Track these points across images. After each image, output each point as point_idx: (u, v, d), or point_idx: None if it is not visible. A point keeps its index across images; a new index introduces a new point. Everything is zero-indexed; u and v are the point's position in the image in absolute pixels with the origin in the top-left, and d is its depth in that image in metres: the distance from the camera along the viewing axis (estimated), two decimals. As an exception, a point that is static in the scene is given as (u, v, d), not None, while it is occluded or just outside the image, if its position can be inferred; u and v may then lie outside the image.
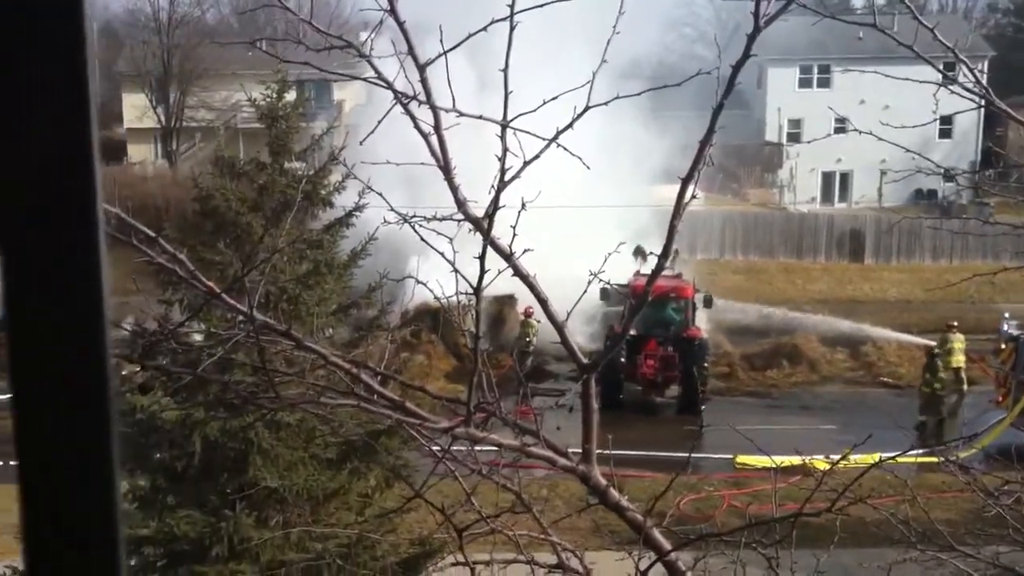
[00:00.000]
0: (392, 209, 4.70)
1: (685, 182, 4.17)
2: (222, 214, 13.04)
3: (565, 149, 4.29)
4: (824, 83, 53.11)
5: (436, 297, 5.21)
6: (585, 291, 4.53)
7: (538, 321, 26.85)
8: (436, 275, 5.05)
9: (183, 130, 45.48)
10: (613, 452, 4.92)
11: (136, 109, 46.30)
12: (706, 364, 27.11)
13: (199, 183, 13.82)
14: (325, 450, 11.50)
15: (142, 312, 6.54)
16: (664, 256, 4.34)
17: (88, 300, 0.75)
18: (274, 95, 13.43)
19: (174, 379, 8.67)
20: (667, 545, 4.58)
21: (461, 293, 4.42)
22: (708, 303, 28.93)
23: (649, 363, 26.64)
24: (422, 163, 5.15)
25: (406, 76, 5.04)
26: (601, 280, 5.01)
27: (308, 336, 11.82)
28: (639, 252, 21.04)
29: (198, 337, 7.07)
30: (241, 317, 4.59)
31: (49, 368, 0.74)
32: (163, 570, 11.16)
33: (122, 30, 54.44)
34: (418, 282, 5.22)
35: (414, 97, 4.44)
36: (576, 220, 28.19)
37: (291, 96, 13.70)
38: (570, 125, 4.33)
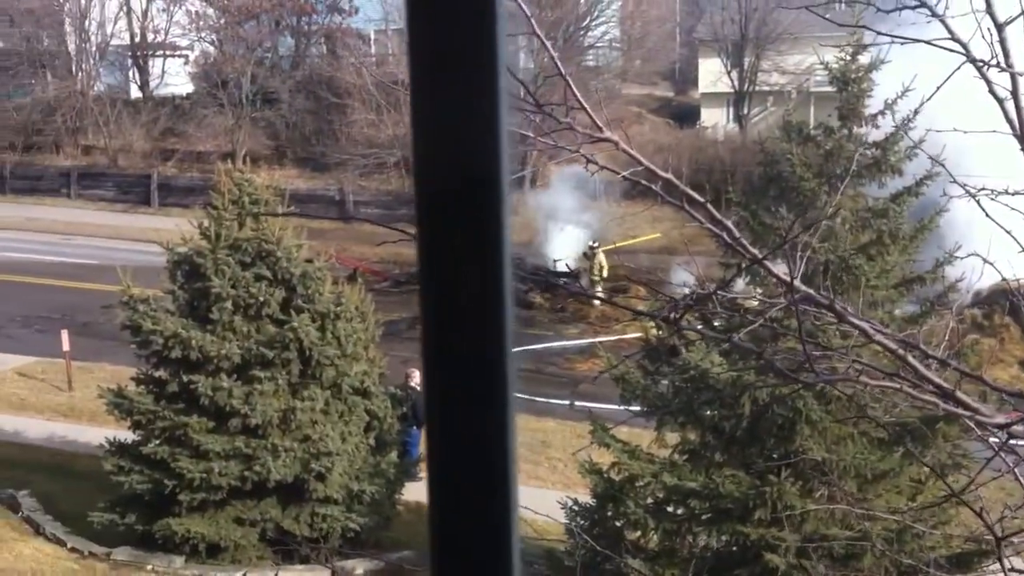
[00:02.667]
0: (954, 180, 4.32)
1: None
2: (786, 179, 12.94)
3: None
4: None
5: (1003, 279, 4.72)
6: None
7: None
8: (1008, 254, 4.58)
9: (755, 94, 45.97)
10: None
11: (711, 74, 47.55)
12: None
13: (765, 147, 13.80)
14: (876, 428, 11.06)
15: (696, 274, 6.68)
16: None
17: (491, 272, 0.76)
18: (847, 58, 13.01)
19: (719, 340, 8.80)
20: None
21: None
22: None
23: None
24: (994, 131, 4.69)
25: (983, 37, 4.60)
26: None
27: (865, 309, 11.41)
28: None
29: (746, 302, 7.09)
30: (784, 287, 4.49)
31: (454, 335, 0.77)
32: (707, 524, 11.47)
33: (702, -3, 56.13)
34: (985, 261, 4.77)
35: (989, 61, 4.03)
36: None
37: (864, 59, 13.19)
38: None
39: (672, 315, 4.70)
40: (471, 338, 0.76)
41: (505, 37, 0.76)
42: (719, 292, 4.59)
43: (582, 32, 45.14)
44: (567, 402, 15.82)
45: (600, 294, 25.80)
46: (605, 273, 28.67)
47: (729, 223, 4.66)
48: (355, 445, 15.18)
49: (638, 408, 11.63)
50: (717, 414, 11.24)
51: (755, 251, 4.56)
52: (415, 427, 17.54)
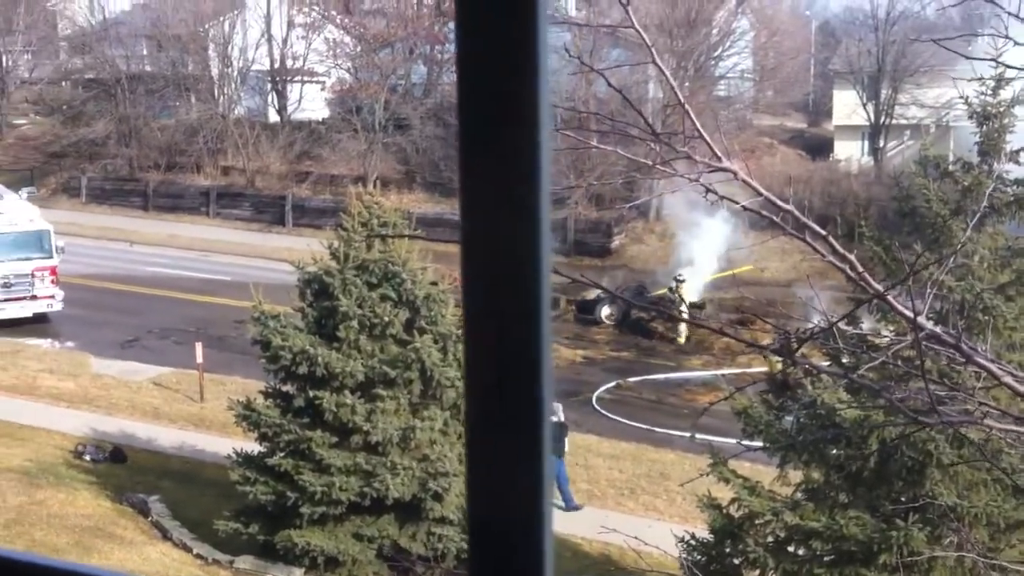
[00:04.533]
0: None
1: None
2: (921, 215, 12.61)
3: None
4: None
5: None
6: None
7: None
8: None
9: (891, 128, 44.88)
10: None
11: (846, 106, 46.62)
12: None
13: (900, 182, 13.45)
14: (1014, 475, 10.62)
15: (820, 312, 6.56)
16: None
17: (528, 295, 0.77)
18: (989, 91, 12.62)
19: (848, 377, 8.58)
20: None
21: None
22: None
23: None
24: None
25: None
26: None
27: (1003, 351, 10.99)
28: None
29: (873, 339, 6.91)
30: (910, 324, 4.36)
31: (493, 353, 0.78)
32: (829, 566, 11.17)
33: (839, 28, 55.13)
34: None
35: None
36: None
37: (1006, 93, 12.77)
38: None
39: (789, 348, 4.61)
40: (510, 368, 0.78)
41: (547, 52, 0.78)
42: (840, 327, 4.50)
43: (713, 62, 44.82)
44: (687, 434, 15.63)
45: (714, 325, 25.55)
46: (684, 308, 27.93)
47: (852, 257, 4.57)
48: (472, 467, 15.28)
49: (760, 444, 11.42)
50: (843, 453, 10.95)
51: (878, 286, 4.45)
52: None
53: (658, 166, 4.93)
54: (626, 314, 29.29)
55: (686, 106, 4.69)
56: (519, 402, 0.76)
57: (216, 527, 15.63)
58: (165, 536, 16.78)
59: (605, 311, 29.86)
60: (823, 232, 4.48)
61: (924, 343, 4.17)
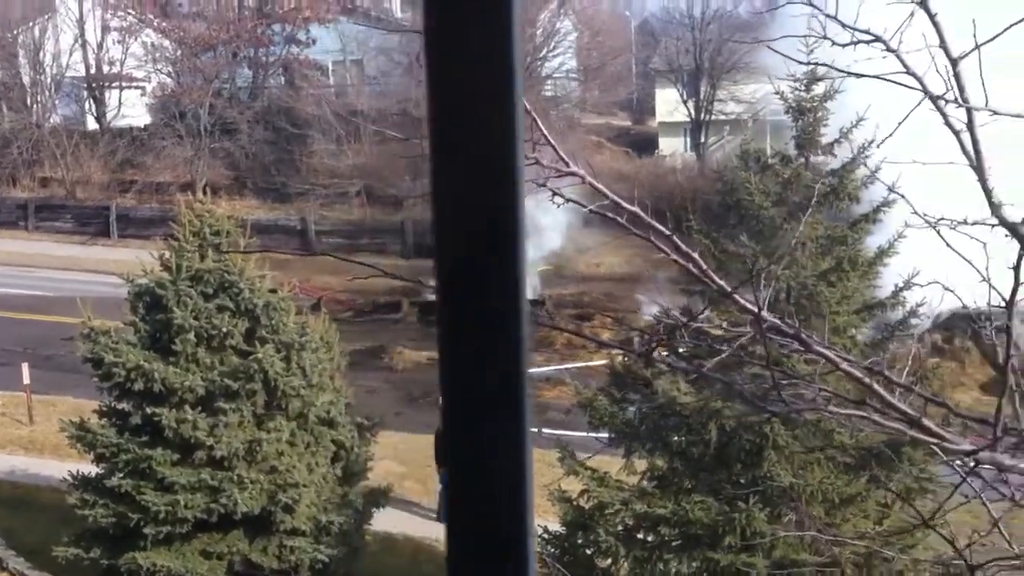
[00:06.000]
0: (915, 212, 4.46)
1: None
2: (745, 207, 13.14)
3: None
4: None
5: (964, 306, 4.86)
6: None
7: None
8: (967, 280, 4.71)
9: (712, 123, 46.51)
10: None
11: (668, 104, 48.07)
12: None
13: (724, 176, 13.99)
14: (843, 453, 11.22)
15: (661, 307, 6.79)
16: None
17: (507, 294, 0.78)
18: (802, 87, 13.26)
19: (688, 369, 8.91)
20: None
21: (994, 306, 4.07)
22: None
23: None
24: (951, 162, 4.83)
25: (936, 71, 4.75)
26: None
27: (826, 335, 11.55)
28: None
29: (711, 331, 7.21)
30: (751, 316, 4.60)
31: (472, 353, 0.78)
32: (677, 551, 11.54)
33: (658, 27, 56.73)
34: (946, 289, 4.91)
35: (943, 96, 4.17)
36: None
37: (819, 88, 13.44)
38: None
39: (646, 348, 4.79)
40: (489, 359, 0.79)
41: (521, 45, 0.78)
42: (681, 318, 4.70)
43: (539, 63, 45.50)
44: (534, 430, 15.85)
45: (571, 327, 25.91)
46: None
47: (695, 255, 4.77)
48: (322, 476, 15.12)
49: (606, 435, 11.72)
50: (684, 440, 11.34)
51: (722, 282, 4.67)
52: None
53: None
54: None
55: (533, 113, 4.81)
56: (501, 369, 0.78)
57: (56, 554, 15.00)
58: (1, 566, 16.00)
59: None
60: (667, 232, 4.67)
61: (769, 335, 4.41)
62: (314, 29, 45.83)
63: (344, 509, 15.08)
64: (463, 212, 0.77)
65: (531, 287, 30.11)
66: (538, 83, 45.32)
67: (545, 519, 13.55)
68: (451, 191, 0.77)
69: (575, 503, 12.09)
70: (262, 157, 43.35)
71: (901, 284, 12.73)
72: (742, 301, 4.58)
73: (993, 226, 4.45)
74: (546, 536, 12.19)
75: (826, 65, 4.87)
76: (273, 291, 15.74)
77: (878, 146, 4.57)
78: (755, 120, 38.49)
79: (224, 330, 15.05)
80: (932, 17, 4.64)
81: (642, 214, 5.05)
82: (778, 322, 4.62)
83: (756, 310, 4.38)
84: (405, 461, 20.20)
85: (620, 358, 11.99)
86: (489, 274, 0.78)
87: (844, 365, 4.50)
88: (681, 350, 9.69)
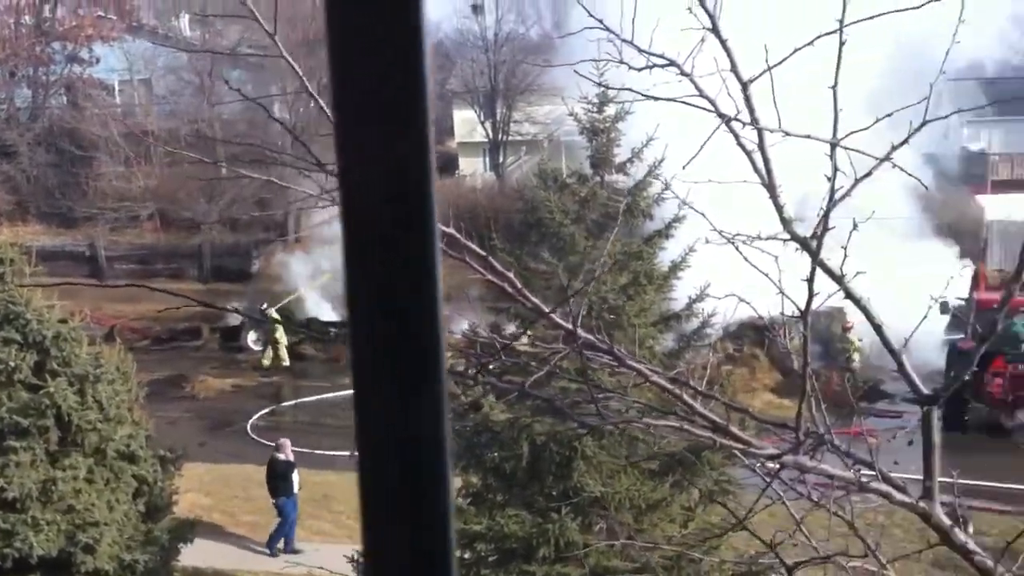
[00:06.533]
0: (714, 229, 4.69)
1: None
2: (546, 225, 13.44)
3: (901, 169, 4.11)
4: None
5: (760, 316, 5.14)
6: (926, 316, 4.31)
7: (860, 339, 25.74)
8: (762, 291, 4.98)
9: (509, 143, 47.28)
10: (956, 482, 4.63)
11: (466, 124, 48.60)
12: (1066, 385, 24.92)
13: (524, 195, 14.24)
14: (648, 461, 11.60)
15: (473, 325, 6.88)
16: (1016, 280, 4.06)
17: (424, 314, 0.79)
18: (595, 109, 13.69)
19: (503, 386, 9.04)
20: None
21: (788, 316, 4.33)
22: (1065, 319, 26.52)
23: (997, 382, 24.77)
24: (744, 180, 5.09)
25: (728, 93, 4.99)
26: (938, 300, 4.76)
27: (636, 349, 11.95)
28: (944, 305, 20.01)
29: (524, 347, 7.35)
30: (564, 333, 4.74)
31: (387, 373, 0.78)
32: (494, 566, 11.65)
33: (452, 48, 57.31)
34: (741, 300, 5.17)
35: (735, 117, 4.41)
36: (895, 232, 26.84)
37: (612, 109, 13.91)
38: (905, 141, 4.15)
39: (476, 368, 4.85)
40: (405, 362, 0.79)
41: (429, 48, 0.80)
42: (500, 339, 4.82)
43: (336, 82, 45.16)
44: (347, 453, 15.67)
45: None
46: (280, 334, 28.16)
47: (511, 275, 4.88)
48: (124, 513, 14.49)
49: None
50: (498, 456, 11.48)
51: (537, 300, 4.80)
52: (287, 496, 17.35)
53: (323, 197, 5.01)
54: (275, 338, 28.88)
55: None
56: (418, 374, 0.78)
57: None
58: None
59: (251, 336, 29.28)
60: (483, 253, 4.75)
61: (584, 351, 4.55)
62: (98, 48, 44.02)
63: (149, 546, 14.50)
64: (374, 223, 0.78)
65: (334, 309, 29.85)
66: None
67: (360, 543, 13.42)
68: (359, 202, 0.78)
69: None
70: (45, 180, 41.25)
71: (694, 296, 13.32)
72: (557, 319, 4.72)
73: (785, 241, 4.71)
74: (361, 560, 12.08)
75: (628, 89, 5.06)
76: (63, 321, 15.02)
77: (684, 168, 4.78)
78: (551, 140, 39.37)
79: (11, 364, 14.26)
80: (723, 43, 4.89)
81: (457, 235, 5.13)
82: (592, 338, 4.78)
83: (572, 327, 4.53)
84: (211, 492, 19.60)
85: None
86: (400, 278, 0.78)
87: (654, 377, 4.70)
88: (491, 367, 9.82)
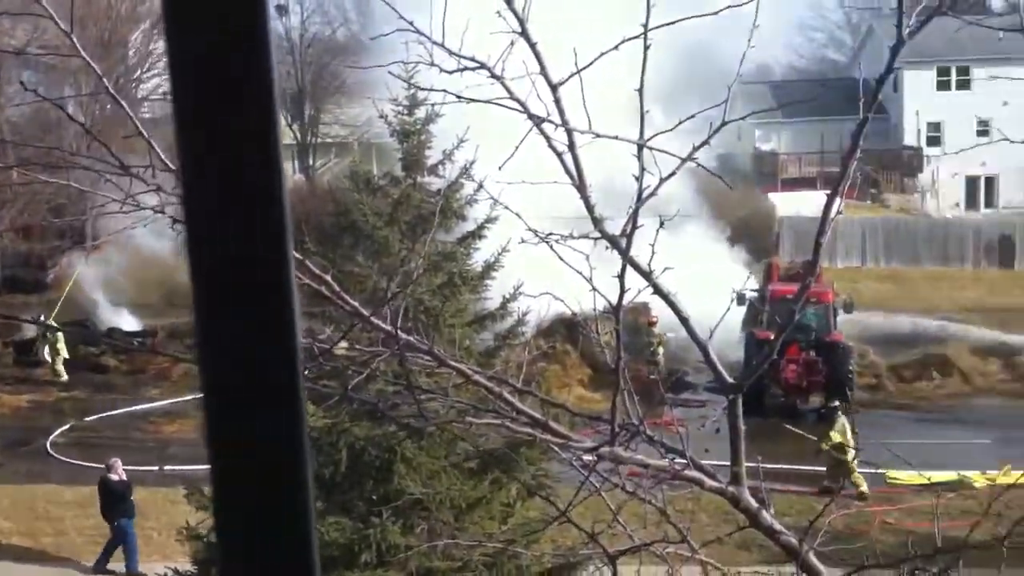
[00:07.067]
0: (529, 228, 4.77)
1: (831, 198, 4.12)
2: (360, 227, 13.35)
3: (703, 167, 4.29)
4: (964, 85, 51.22)
5: (573, 313, 5.25)
6: (728, 308, 4.50)
7: (663, 332, 26.71)
8: (572, 289, 5.09)
9: (319, 146, 46.69)
10: (756, 466, 4.86)
11: (274, 126, 47.83)
12: (851, 369, 26.52)
13: (336, 197, 14.10)
14: (466, 460, 11.67)
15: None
16: (810, 271, 4.30)
17: (278, 314, 0.77)
18: (405, 111, 13.69)
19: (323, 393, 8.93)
20: (825, 572, 4.49)
21: (600, 312, 4.44)
22: (848, 308, 28.27)
23: (791, 368, 26.12)
24: (555, 181, 5.19)
25: (538, 96, 5.08)
26: (738, 291, 4.98)
27: (449, 348, 12.01)
28: (740, 297, 21.77)
29: (341, 351, 7.27)
30: (383, 335, 4.73)
31: (241, 376, 0.77)
32: (314, 575, 11.47)
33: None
34: (555, 298, 5.27)
35: (546, 118, 4.49)
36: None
37: (422, 112, 13.93)
38: (706, 142, 4.33)
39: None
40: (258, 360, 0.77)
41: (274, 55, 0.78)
42: (318, 343, 4.76)
43: (134, 84, 43.63)
44: (157, 468, 15.15)
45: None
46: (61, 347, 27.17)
47: (328, 278, 4.83)
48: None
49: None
50: (317, 462, 11.32)
51: (355, 304, 4.77)
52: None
53: (128, 202, 4.83)
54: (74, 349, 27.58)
55: (151, 141, 4.64)
56: (274, 376, 0.77)
57: None
58: None
59: (47, 350, 27.89)
60: (298, 256, 4.68)
61: (404, 352, 4.55)
62: None
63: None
64: (222, 226, 0.76)
65: (137, 319, 28.80)
66: (134, 105, 43.38)
67: (174, 560, 13.02)
68: (205, 208, 0.76)
69: (207, 540, 11.70)
70: None
71: (509, 296, 13.49)
72: (379, 324, 4.70)
73: (596, 239, 4.83)
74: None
75: (442, 91, 5.09)
76: None
77: (500, 169, 4.82)
78: (360, 143, 39.12)
79: None
80: (533, 46, 4.97)
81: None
82: (413, 340, 4.78)
83: (391, 329, 4.52)
84: (10, 516, 18.58)
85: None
86: (249, 278, 0.76)
87: (476, 377, 4.74)
88: (305, 372, 9.69)
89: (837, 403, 22.69)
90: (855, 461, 20.19)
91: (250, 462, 0.79)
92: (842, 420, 21.48)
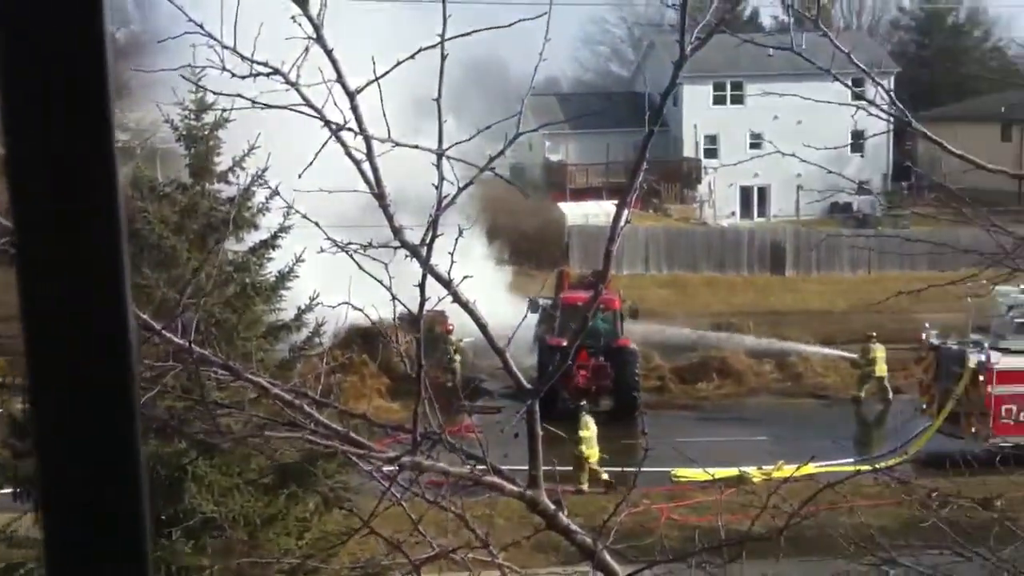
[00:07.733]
0: (328, 238, 4.70)
1: (620, 208, 4.25)
2: (145, 237, 12.86)
3: (502, 178, 4.35)
4: (738, 100, 54.10)
5: (372, 323, 5.22)
6: (525, 316, 4.58)
7: (460, 340, 26.93)
8: (370, 299, 5.05)
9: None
10: (551, 469, 4.95)
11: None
12: (637, 373, 27.47)
13: (120, 206, 13.51)
14: (261, 476, 11.40)
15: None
16: (601, 279, 4.42)
17: (111, 307, 0.76)
18: (193, 116, 13.30)
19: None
20: (619, 570, 4.61)
21: (399, 321, 4.44)
22: (634, 314, 29.34)
23: (582, 373, 26.81)
24: (355, 190, 5.14)
25: (335, 103, 5.02)
26: (531, 298, 5.07)
27: (242, 360, 11.71)
28: (533, 304, 23.49)
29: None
30: (174, 349, 4.56)
31: (69, 373, 0.75)
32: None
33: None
34: (354, 308, 5.22)
35: (344, 126, 4.44)
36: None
37: (211, 117, 13.55)
38: (502, 152, 4.39)
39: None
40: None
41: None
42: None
43: None
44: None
45: None
46: None
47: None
48: None
49: (8, 491, 10.79)
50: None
51: (145, 316, 4.56)
52: None
53: None
54: None
55: None
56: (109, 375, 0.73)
57: None
58: None
59: None
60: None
61: (199, 366, 4.40)
62: None
63: None
64: (49, 224, 0.72)
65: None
66: None
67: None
68: (33, 217, 0.73)
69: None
70: None
71: (304, 306, 13.28)
72: (172, 338, 4.53)
73: (396, 248, 4.81)
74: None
75: (239, 95, 4.95)
76: None
77: (299, 177, 4.72)
78: (143, 148, 37.61)
79: None
80: (329, 52, 4.90)
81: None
82: (208, 354, 4.63)
83: (185, 343, 4.36)
84: None
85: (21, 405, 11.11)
86: (81, 283, 0.73)
87: (275, 390, 4.63)
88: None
89: (584, 403, 23.90)
90: (594, 459, 21.59)
91: (80, 466, 0.76)
92: (586, 418, 22.78)
